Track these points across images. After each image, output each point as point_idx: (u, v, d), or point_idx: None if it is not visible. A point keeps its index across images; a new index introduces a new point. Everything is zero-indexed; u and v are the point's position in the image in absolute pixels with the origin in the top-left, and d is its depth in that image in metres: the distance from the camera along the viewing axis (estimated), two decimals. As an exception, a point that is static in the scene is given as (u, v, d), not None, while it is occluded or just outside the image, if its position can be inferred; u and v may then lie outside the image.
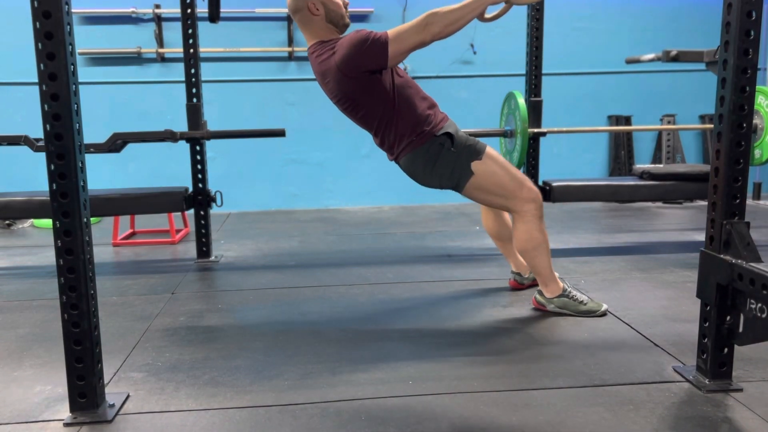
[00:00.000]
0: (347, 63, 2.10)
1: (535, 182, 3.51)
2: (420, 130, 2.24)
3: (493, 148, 2.33)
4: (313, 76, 2.33)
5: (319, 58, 2.20)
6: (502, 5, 2.16)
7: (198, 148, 3.41)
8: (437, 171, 2.27)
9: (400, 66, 2.30)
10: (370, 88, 2.17)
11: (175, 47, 5.03)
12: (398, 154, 2.31)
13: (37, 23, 1.50)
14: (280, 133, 3.36)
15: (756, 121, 3.05)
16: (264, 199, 5.34)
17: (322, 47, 2.20)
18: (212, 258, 3.50)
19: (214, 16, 3.36)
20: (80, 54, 4.94)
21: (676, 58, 3.01)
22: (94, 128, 3.57)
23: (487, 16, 2.19)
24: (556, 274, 2.46)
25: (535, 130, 3.41)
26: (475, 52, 5.28)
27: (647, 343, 2.12)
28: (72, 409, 1.66)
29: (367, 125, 2.31)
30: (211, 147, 4.53)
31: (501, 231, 2.68)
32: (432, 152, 2.25)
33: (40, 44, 1.51)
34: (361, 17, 5.19)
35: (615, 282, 2.85)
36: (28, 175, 4.53)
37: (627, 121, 5.50)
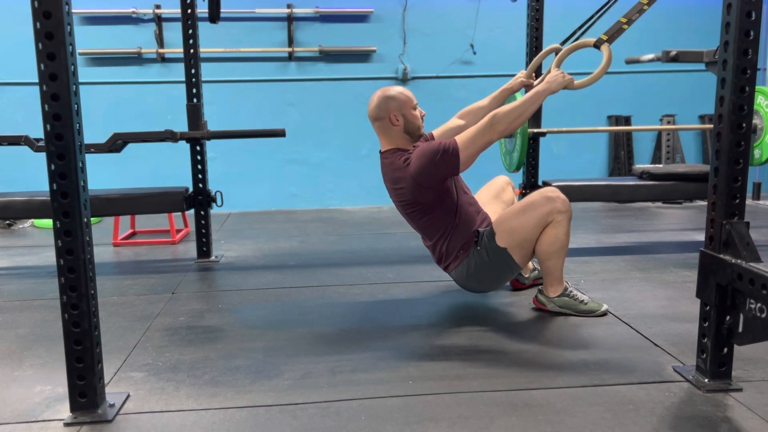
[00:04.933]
0: (422, 173, 2.21)
1: (535, 182, 3.51)
2: (468, 245, 2.35)
3: (496, 201, 2.53)
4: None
5: (393, 165, 2.30)
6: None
7: (198, 148, 3.41)
8: (484, 275, 2.37)
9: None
10: (441, 199, 2.29)
11: (175, 47, 5.03)
12: (447, 266, 2.42)
13: (38, 23, 1.50)
14: (280, 133, 3.36)
15: (755, 121, 3.05)
16: (264, 199, 5.34)
17: (396, 155, 2.31)
18: (212, 258, 3.50)
19: (214, 16, 3.36)
20: (80, 54, 4.95)
21: (675, 59, 3.02)
22: (94, 128, 3.57)
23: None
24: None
25: (535, 130, 3.41)
26: (475, 53, 5.28)
27: (647, 343, 2.12)
28: (72, 409, 1.66)
29: (426, 232, 2.42)
30: (212, 147, 4.53)
31: None
32: (471, 262, 2.35)
33: (40, 44, 1.51)
34: (360, 17, 5.19)
35: (615, 282, 2.86)
36: (29, 175, 4.53)
37: (627, 121, 5.50)
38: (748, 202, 4.66)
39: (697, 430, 1.54)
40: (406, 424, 1.60)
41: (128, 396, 1.79)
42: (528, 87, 2.54)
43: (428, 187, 2.25)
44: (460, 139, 2.19)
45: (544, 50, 2.63)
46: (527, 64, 3.48)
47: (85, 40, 4.94)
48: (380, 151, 2.39)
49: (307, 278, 3.06)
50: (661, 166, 3.80)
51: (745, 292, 1.57)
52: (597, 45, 2.37)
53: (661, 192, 3.52)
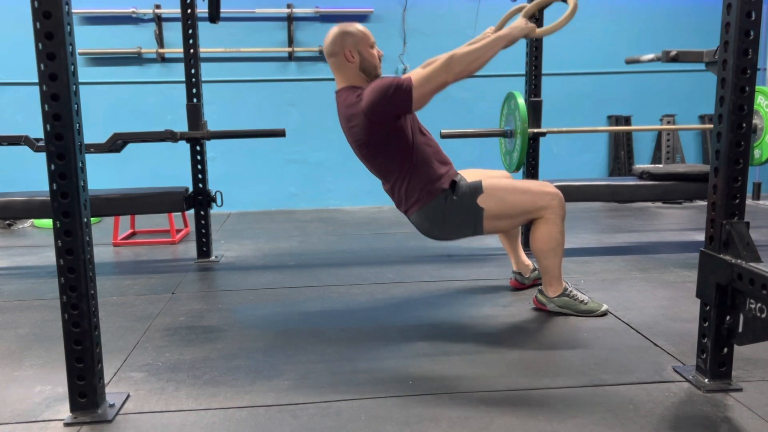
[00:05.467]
0: (373, 109, 2.13)
1: (535, 182, 3.51)
2: (429, 187, 2.28)
3: (491, 178, 2.36)
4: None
5: (346, 102, 2.24)
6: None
7: (198, 148, 3.41)
8: (449, 224, 2.31)
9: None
10: (394, 137, 2.21)
11: (175, 47, 5.03)
12: (408, 210, 2.36)
13: (38, 23, 1.50)
14: (280, 133, 3.36)
15: (755, 121, 3.05)
16: (264, 199, 5.34)
17: (350, 92, 2.24)
18: (212, 258, 3.50)
19: (214, 16, 3.36)
20: (80, 54, 4.94)
21: (675, 58, 3.01)
22: (94, 128, 3.57)
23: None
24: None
25: (535, 130, 3.41)
26: (475, 52, 5.27)
27: (647, 343, 2.12)
28: (72, 409, 1.66)
29: (382, 173, 2.35)
30: (211, 147, 4.53)
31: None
32: (438, 208, 2.29)
33: (40, 44, 1.51)
34: (361, 17, 5.19)
35: (615, 282, 2.86)
36: (29, 175, 4.53)
37: (627, 121, 5.50)
38: (748, 202, 4.66)
39: (697, 430, 1.54)
40: (406, 424, 1.60)
41: (128, 396, 1.79)
42: None
43: (380, 124, 2.16)
44: (415, 76, 2.10)
45: (512, 8, 2.57)
46: (527, 63, 3.48)
47: (85, 40, 4.94)
48: (335, 90, 2.33)
49: (307, 278, 3.06)
50: (661, 166, 3.80)
51: (745, 292, 1.57)
52: None
53: (661, 192, 3.52)
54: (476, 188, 2.29)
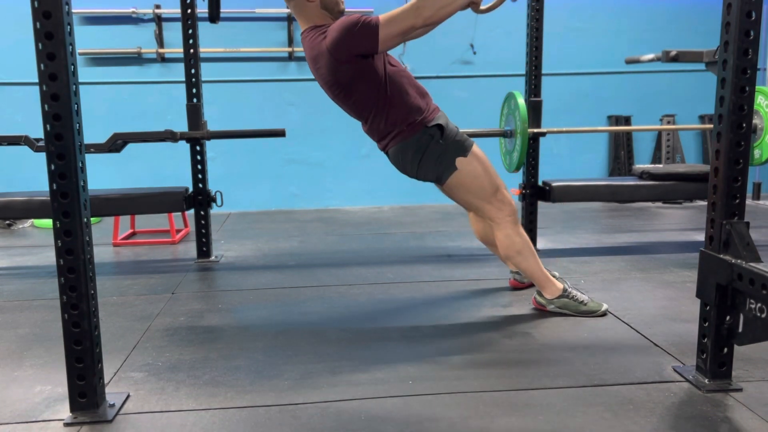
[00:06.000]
0: (337, 46, 2.08)
1: (535, 182, 3.51)
2: (411, 120, 2.23)
3: (480, 148, 2.34)
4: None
5: (312, 43, 2.19)
6: None
7: (198, 148, 3.41)
8: (423, 163, 2.27)
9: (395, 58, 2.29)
10: (362, 74, 2.15)
11: (175, 47, 5.03)
12: (387, 144, 2.30)
13: (38, 23, 1.50)
14: (280, 133, 3.36)
15: (755, 121, 3.05)
16: (264, 199, 5.34)
17: (314, 32, 2.19)
18: (212, 258, 3.50)
19: (214, 16, 3.35)
20: (80, 54, 4.94)
21: (675, 59, 3.02)
22: (94, 128, 3.57)
23: (482, 7, 2.20)
24: (556, 274, 2.46)
25: (535, 130, 3.41)
26: (474, 53, 5.28)
27: (647, 343, 2.12)
28: (72, 409, 1.66)
29: (358, 113, 2.30)
30: (211, 147, 4.53)
31: (489, 235, 2.66)
32: (421, 144, 2.24)
33: (40, 44, 1.51)
34: (361, 17, 5.19)
35: (615, 282, 2.86)
36: (29, 175, 4.53)
37: (627, 121, 5.50)
38: (748, 202, 4.66)
39: (697, 430, 1.54)
40: (406, 424, 1.60)
41: (128, 396, 1.79)
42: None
43: (345, 62, 2.10)
44: (383, 16, 2.05)
45: None
46: (527, 63, 3.48)
47: (85, 40, 4.94)
48: (300, 33, 2.28)
49: (307, 278, 3.06)
50: (661, 166, 3.80)
51: (745, 292, 1.58)
52: None
53: (661, 192, 3.52)
54: (463, 147, 2.26)
